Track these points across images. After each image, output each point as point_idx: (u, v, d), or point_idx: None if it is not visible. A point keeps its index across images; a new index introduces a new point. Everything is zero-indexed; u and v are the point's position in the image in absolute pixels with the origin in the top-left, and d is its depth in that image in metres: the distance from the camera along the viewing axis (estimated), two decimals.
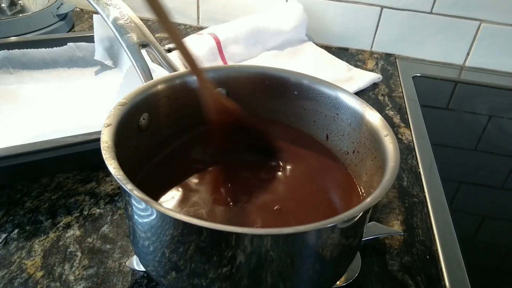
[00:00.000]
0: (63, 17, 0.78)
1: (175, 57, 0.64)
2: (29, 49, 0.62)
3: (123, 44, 0.46)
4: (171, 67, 0.47)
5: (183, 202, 0.36)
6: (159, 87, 0.39)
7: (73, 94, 0.61)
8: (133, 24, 0.48)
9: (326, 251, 0.30)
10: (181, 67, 0.60)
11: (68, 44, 0.64)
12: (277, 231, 0.26)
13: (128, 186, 0.27)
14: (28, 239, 0.40)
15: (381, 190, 0.29)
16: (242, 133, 0.40)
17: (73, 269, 0.38)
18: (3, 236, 0.41)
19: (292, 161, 0.42)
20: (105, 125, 0.32)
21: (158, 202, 0.35)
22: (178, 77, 0.41)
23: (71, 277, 0.37)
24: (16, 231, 0.41)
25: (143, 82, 0.43)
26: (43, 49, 0.63)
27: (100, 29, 0.63)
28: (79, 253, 0.39)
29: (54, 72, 0.64)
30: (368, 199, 0.28)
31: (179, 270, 0.30)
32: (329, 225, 0.27)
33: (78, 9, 0.89)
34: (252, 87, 0.43)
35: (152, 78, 0.44)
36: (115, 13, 0.48)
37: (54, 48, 0.63)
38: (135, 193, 0.27)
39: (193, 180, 0.38)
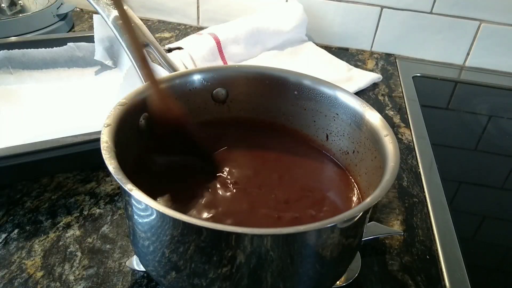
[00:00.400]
0: (63, 17, 0.78)
1: (175, 57, 0.64)
2: (29, 49, 0.62)
3: (123, 44, 0.46)
4: (171, 67, 0.47)
5: (182, 202, 0.36)
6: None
7: (73, 94, 0.61)
8: (133, 24, 0.47)
9: (326, 251, 0.30)
10: (181, 67, 0.61)
11: (68, 44, 0.64)
12: (277, 231, 0.26)
13: (128, 186, 0.27)
14: (28, 239, 0.40)
15: (381, 190, 0.29)
16: (180, 137, 0.38)
17: (73, 269, 0.38)
18: (3, 236, 0.41)
19: (291, 162, 0.43)
20: (105, 125, 0.32)
21: (158, 202, 0.35)
22: (178, 77, 0.41)
23: (71, 277, 0.37)
24: (16, 231, 0.41)
25: (143, 82, 0.43)
26: (43, 49, 0.63)
27: (100, 29, 0.63)
28: (79, 253, 0.39)
29: (54, 72, 0.64)
30: (368, 199, 0.28)
31: (179, 270, 0.30)
32: (329, 225, 0.27)
33: (78, 9, 0.89)
34: (252, 87, 0.43)
35: None
36: (115, 13, 0.48)
37: (54, 48, 0.63)
38: (135, 193, 0.27)
39: (193, 180, 0.38)
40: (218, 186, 0.38)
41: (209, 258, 0.28)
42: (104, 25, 0.55)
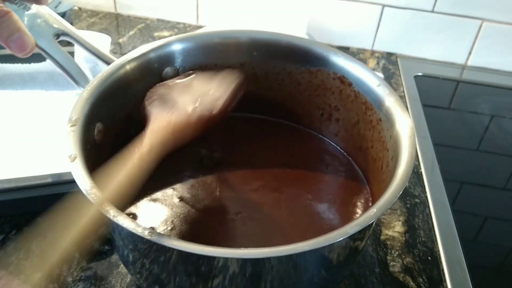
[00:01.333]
0: (61, 16, 0.77)
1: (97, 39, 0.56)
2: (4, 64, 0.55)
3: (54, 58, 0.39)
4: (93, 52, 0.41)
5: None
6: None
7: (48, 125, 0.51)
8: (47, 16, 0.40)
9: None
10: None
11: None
12: (274, 251, 0.25)
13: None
14: (26, 240, 0.40)
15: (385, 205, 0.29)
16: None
17: (71, 270, 0.38)
18: (1, 237, 0.40)
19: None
20: (71, 159, 0.29)
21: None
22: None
23: (69, 279, 0.37)
24: (13, 232, 0.41)
25: (77, 85, 0.38)
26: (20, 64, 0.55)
27: (80, 53, 0.52)
28: (77, 255, 0.39)
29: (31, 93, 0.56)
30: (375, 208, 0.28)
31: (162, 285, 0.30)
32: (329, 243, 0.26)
33: (76, 7, 0.88)
34: None
35: (85, 76, 0.39)
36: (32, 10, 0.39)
37: (32, 64, 0.56)
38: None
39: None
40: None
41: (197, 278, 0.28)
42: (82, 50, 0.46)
